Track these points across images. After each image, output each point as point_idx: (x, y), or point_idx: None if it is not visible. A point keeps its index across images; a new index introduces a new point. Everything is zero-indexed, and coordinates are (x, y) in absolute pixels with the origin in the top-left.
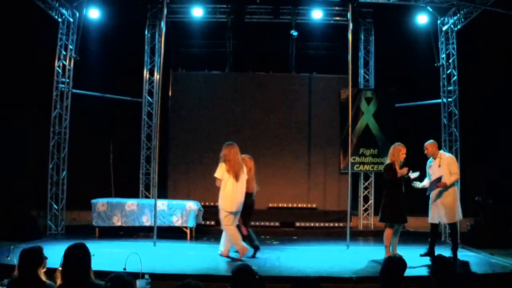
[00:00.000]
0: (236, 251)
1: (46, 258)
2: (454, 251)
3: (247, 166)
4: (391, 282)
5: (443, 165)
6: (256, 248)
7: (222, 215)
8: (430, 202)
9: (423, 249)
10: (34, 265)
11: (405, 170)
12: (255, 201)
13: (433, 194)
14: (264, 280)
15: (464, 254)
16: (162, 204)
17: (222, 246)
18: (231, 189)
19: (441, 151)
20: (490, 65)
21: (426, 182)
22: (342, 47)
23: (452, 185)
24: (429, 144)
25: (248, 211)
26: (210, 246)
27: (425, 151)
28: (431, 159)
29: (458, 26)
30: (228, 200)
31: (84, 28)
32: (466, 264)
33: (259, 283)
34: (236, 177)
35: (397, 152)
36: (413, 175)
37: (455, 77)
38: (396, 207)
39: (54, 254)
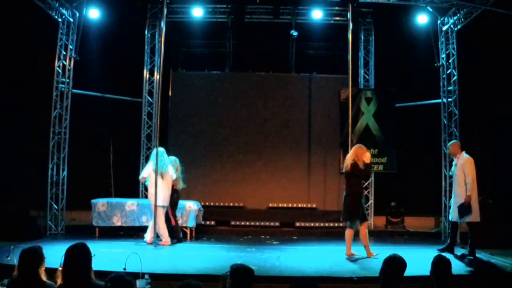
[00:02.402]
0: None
1: (44, 257)
2: (471, 252)
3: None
4: (391, 282)
5: (458, 165)
6: (179, 240)
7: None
8: (452, 201)
9: (423, 249)
10: (34, 265)
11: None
12: (180, 196)
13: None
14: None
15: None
16: None
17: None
18: (158, 185)
19: (463, 152)
20: (490, 65)
21: None
22: (342, 47)
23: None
24: (451, 144)
25: (174, 204)
26: (210, 246)
27: (448, 151)
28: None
29: (458, 26)
30: (156, 195)
31: (84, 28)
32: (466, 264)
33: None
34: (161, 175)
35: (362, 153)
36: None
37: (455, 77)
38: (361, 206)
39: (54, 254)
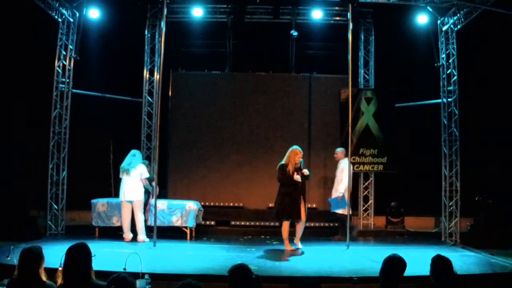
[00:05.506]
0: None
1: (44, 257)
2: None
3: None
4: (391, 282)
5: (339, 168)
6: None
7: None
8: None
9: (423, 249)
10: (34, 265)
11: (299, 174)
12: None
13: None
14: (261, 279)
15: (464, 254)
16: (162, 204)
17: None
18: (123, 182)
19: (346, 158)
20: (490, 65)
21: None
22: (342, 47)
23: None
24: (339, 151)
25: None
26: (210, 246)
27: (335, 155)
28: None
29: (458, 26)
30: (120, 191)
31: (84, 28)
32: (466, 264)
33: (255, 283)
34: (126, 173)
35: (293, 155)
36: (305, 171)
37: (455, 77)
38: (290, 205)
39: (54, 254)
